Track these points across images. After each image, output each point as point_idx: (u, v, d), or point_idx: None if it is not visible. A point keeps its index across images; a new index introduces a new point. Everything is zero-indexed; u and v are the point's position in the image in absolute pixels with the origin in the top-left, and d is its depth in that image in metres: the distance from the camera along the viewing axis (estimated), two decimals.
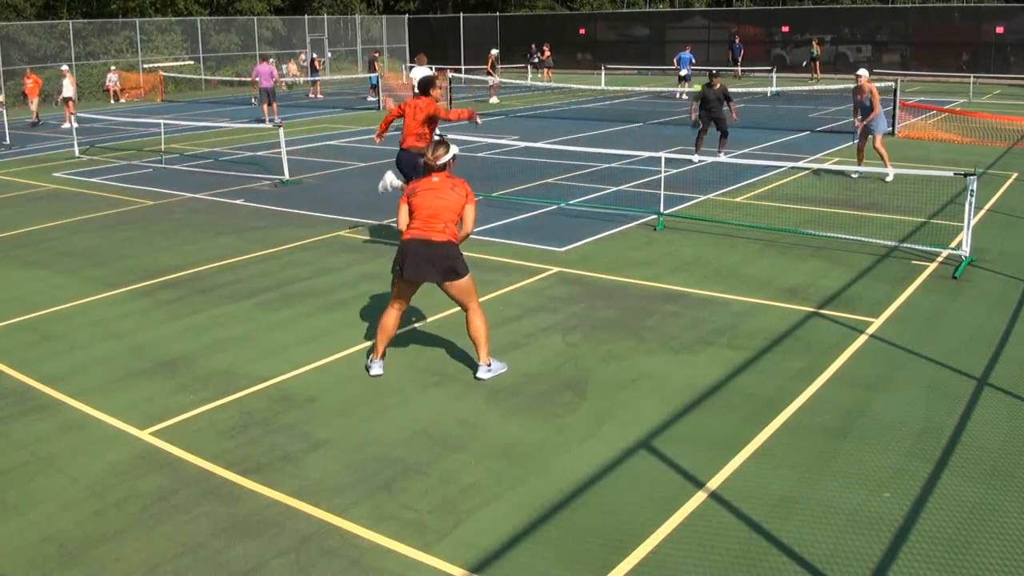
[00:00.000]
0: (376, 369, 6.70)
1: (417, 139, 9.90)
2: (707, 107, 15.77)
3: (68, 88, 24.25)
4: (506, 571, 4.26)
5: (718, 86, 15.79)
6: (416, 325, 7.74)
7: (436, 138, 7.37)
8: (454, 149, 6.62)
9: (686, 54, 30.42)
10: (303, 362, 6.93)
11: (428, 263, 6.34)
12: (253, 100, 30.75)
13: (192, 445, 5.58)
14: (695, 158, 15.01)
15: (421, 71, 21.22)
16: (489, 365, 6.58)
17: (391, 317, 6.64)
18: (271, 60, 25.79)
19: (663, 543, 4.45)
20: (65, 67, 25.58)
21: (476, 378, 6.54)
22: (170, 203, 13.51)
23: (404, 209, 6.54)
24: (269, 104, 23.63)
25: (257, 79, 23.84)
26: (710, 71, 16.52)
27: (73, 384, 6.59)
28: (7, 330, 7.86)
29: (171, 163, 17.46)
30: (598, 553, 4.38)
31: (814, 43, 37.56)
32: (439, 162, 6.54)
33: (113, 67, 33.56)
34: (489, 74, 30.53)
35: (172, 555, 4.41)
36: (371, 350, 6.84)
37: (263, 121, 22.85)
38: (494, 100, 29.76)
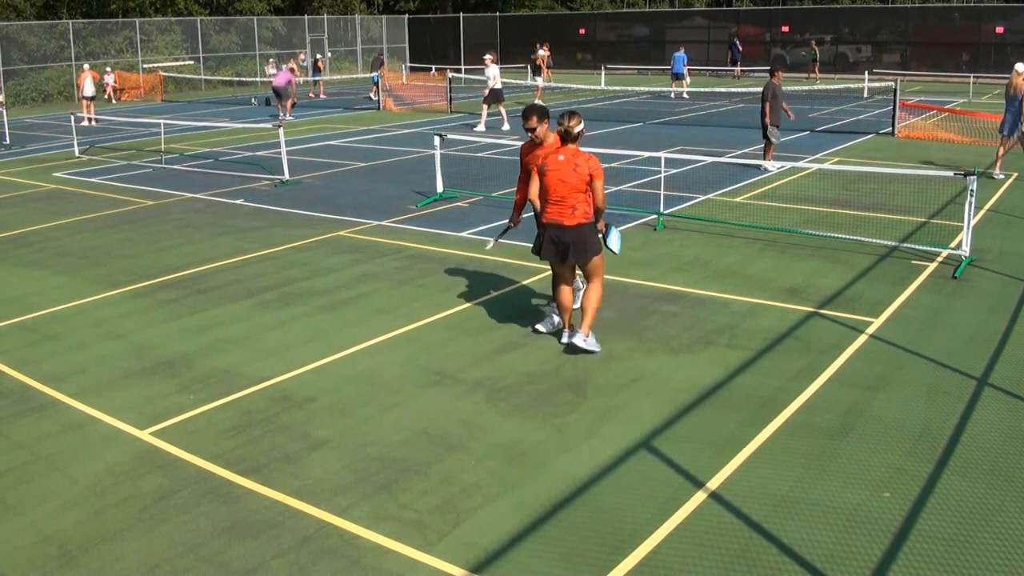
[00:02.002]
0: (565, 337, 7.05)
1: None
2: (776, 105, 14.75)
3: (89, 87, 24.70)
4: (506, 571, 4.26)
5: (779, 80, 14.97)
6: (417, 324, 7.74)
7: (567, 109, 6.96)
8: (584, 120, 6.77)
9: (680, 54, 30.47)
10: (303, 362, 6.93)
11: (564, 246, 6.78)
12: (254, 100, 30.81)
13: (192, 445, 5.58)
14: (775, 165, 14.47)
15: (494, 72, 21.71)
16: (587, 337, 6.91)
17: (562, 292, 7.07)
18: (289, 65, 26.56)
19: (663, 543, 4.45)
20: (86, 66, 25.88)
21: (570, 342, 6.94)
22: (170, 203, 13.51)
23: (536, 182, 6.82)
24: (281, 102, 24.89)
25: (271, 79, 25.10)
26: (769, 68, 15.59)
27: (73, 384, 6.59)
28: (7, 330, 7.86)
29: (171, 163, 17.46)
30: (598, 553, 4.38)
31: (813, 44, 37.61)
32: (575, 131, 6.69)
33: (108, 68, 33.57)
34: (537, 75, 29.19)
35: (172, 555, 4.41)
36: (560, 325, 7.32)
37: (280, 118, 24.37)
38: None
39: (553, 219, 6.81)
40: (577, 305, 7.60)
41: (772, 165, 14.75)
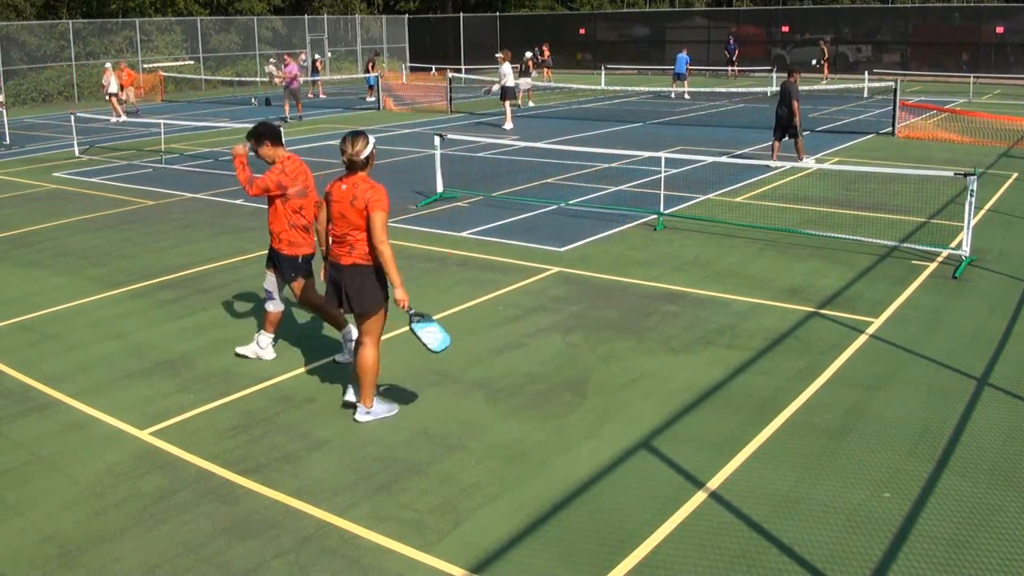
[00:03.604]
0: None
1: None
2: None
3: (114, 84, 24.87)
4: (506, 571, 4.26)
5: (796, 80, 15.09)
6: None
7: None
8: (373, 140, 5.73)
9: (683, 55, 30.53)
10: (303, 362, 6.93)
11: (340, 288, 5.78)
12: (254, 100, 30.80)
13: (192, 445, 5.58)
14: (776, 163, 14.64)
15: (506, 70, 22.15)
16: (370, 409, 5.90)
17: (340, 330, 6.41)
18: (291, 57, 26.67)
19: (663, 543, 4.45)
20: (109, 65, 25.90)
21: (354, 420, 5.88)
22: (170, 203, 13.51)
23: (323, 211, 5.97)
24: (290, 101, 25.23)
25: (283, 79, 25.42)
26: (789, 68, 15.64)
27: (73, 384, 6.59)
28: (7, 330, 7.86)
29: (171, 163, 17.46)
30: (598, 553, 4.38)
31: (823, 45, 37.57)
32: (361, 157, 5.64)
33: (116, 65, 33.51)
34: (524, 75, 29.54)
35: (172, 555, 4.41)
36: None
37: (296, 118, 25.00)
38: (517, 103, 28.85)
39: (332, 257, 5.83)
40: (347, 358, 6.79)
41: (809, 161, 14.70)
